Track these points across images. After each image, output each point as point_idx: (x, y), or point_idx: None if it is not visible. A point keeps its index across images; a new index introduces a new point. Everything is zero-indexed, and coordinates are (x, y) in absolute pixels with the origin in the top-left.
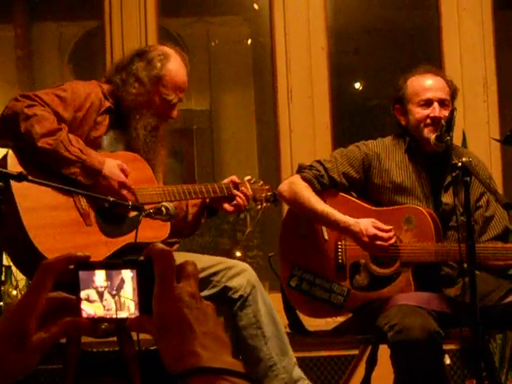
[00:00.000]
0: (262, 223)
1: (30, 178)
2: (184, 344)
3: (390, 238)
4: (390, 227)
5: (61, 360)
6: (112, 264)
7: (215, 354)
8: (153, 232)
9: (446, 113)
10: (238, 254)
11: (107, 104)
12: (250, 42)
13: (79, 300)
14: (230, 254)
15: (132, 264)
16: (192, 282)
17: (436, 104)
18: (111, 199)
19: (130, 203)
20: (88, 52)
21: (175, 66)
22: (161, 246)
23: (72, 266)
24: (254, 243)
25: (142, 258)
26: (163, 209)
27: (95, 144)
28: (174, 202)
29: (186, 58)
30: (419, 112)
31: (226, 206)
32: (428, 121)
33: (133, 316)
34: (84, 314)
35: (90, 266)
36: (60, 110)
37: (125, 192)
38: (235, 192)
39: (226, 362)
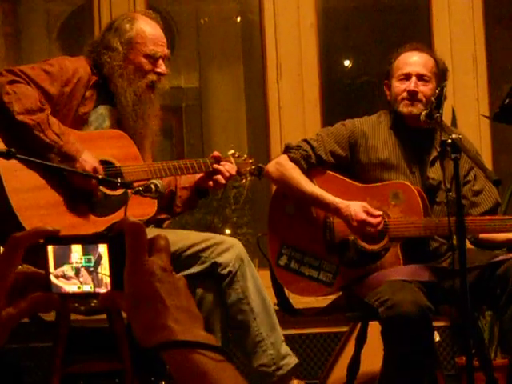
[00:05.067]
0: (252, 200)
1: (18, 156)
2: (156, 318)
3: (379, 224)
4: (380, 213)
5: (50, 337)
6: (83, 238)
7: (188, 328)
8: (141, 210)
9: (424, 89)
10: (228, 231)
11: (95, 78)
12: (239, 19)
13: (48, 275)
14: (219, 232)
15: (103, 238)
16: (164, 256)
17: (414, 78)
18: (100, 176)
19: (119, 180)
20: (76, 29)
21: (144, 23)
22: (132, 219)
23: (42, 241)
24: (244, 220)
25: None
26: (152, 186)
27: (83, 120)
28: (162, 180)
29: (156, 16)
30: (397, 86)
31: (210, 182)
32: (404, 94)
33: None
34: (54, 290)
35: (61, 240)
36: (46, 84)
37: (93, 181)
38: (215, 166)
39: (198, 335)
